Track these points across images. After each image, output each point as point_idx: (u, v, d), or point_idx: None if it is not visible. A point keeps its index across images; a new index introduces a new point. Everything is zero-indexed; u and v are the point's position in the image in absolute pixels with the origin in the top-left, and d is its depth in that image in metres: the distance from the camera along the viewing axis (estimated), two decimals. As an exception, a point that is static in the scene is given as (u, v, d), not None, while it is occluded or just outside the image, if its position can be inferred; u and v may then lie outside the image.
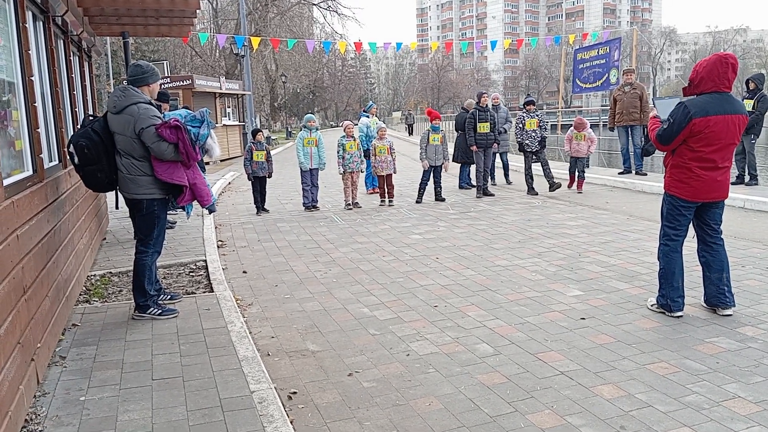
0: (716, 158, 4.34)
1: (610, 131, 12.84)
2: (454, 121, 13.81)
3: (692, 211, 4.54)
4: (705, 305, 4.74)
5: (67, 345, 4.24)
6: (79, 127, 4.75)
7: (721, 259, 4.58)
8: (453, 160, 12.32)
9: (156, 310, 4.79)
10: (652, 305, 4.81)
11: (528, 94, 13.30)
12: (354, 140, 10.32)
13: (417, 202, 10.70)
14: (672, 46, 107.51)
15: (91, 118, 4.81)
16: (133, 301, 4.87)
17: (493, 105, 12.07)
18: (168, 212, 5.35)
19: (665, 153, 4.64)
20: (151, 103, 4.63)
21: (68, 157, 4.74)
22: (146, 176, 4.58)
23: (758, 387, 3.46)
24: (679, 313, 4.59)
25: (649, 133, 4.69)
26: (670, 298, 4.61)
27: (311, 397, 3.55)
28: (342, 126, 11.08)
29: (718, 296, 4.59)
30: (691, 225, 4.66)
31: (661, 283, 4.67)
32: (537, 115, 11.22)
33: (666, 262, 4.63)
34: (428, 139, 10.61)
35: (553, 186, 10.87)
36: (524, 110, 11.36)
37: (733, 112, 4.28)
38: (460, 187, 12.44)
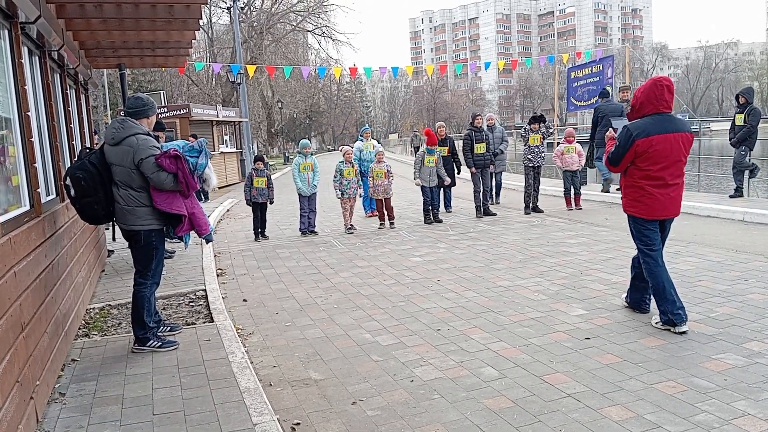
0: (665, 175, 4.55)
1: None
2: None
3: (656, 225, 4.74)
4: (626, 303, 5.15)
5: (67, 381, 4.19)
6: (75, 159, 4.73)
7: None
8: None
9: (156, 342, 4.75)
10: (656, 323, 4.78)
11: (535, 112, 13.20)
12: (352, 166, 10.38)
13: (426, 223, 10.67)
14: (664, 61, 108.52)
15: (87, 150, 4.81)
16: (132, 334, 4.82)
17: (488, 126, 12.12)
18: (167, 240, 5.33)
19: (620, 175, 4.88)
20: (149, 134, 4.64)
21: (65, 190, 4.73)
22: (144, 207, 4.57)
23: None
24: (684, 327, 4.55)
25: (604, 156, 4.93)
26: (670, 313, 4.59)
27: (315, 428, 3.50)
28: (341, 151, 11.12)
29: (639, 303, 5.04)
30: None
31: (657, 300, 4.71)
32: (541, 132, 11.20)
33: (653, 279, 4.72)
34: (423, 161, 10.66)
35: (536, 209, 11.23)
36: (529, 128, 11.39)
37: (675, 130, 4.49)
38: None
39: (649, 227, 4.71)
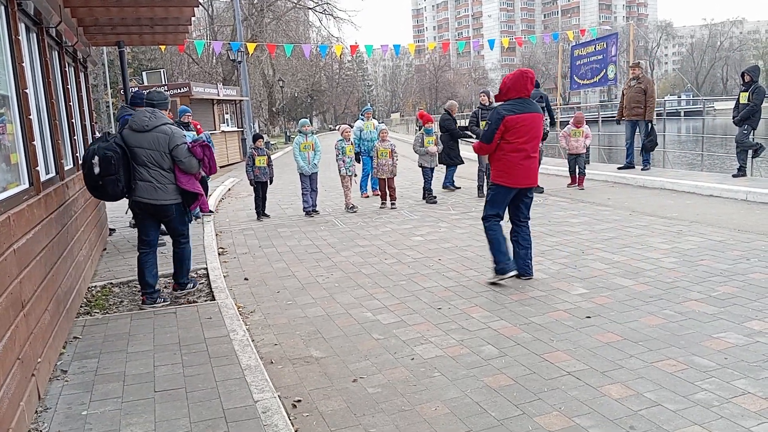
0: (528, 148, 5.45)
1: (617, 124, 12.80)
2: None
3: (511, 196, 5.59)
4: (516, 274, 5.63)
5: (69, 358, 4.20)
6: (100, 139, 5.23)
7: (527, 238, 5.72)
8: (439, 162, 12.25)
9: (192, 284, 5.76)
10: (490, 279, 5.62)
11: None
12: (351, 144, 10.39)
13: (430, 202, 10.62)
14: (668, 39, 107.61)
15: (108, 133, 5.33)
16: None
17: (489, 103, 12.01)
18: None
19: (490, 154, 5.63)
20: (174, 124, 5.36)
21: (85, 167, 5.11)
22: (173, 185, 5.32)
23: (768, 382, 3.42)
24: (514, 272, 5.53)
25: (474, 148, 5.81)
26: (503, 263, 5.51)
27: (316, 405, 3.52)
28: (339, 130, 11.09)
29: (524, 267, 5.68)
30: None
31: (493, 253, 5.58)
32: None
33: (492, 236, 5.62)
34: (423, 142, 10.65)
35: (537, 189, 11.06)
36: None
37: (533, 111, 5.48)
38: (444, 186, 12.21)
39: (507, 196, 5.59)
